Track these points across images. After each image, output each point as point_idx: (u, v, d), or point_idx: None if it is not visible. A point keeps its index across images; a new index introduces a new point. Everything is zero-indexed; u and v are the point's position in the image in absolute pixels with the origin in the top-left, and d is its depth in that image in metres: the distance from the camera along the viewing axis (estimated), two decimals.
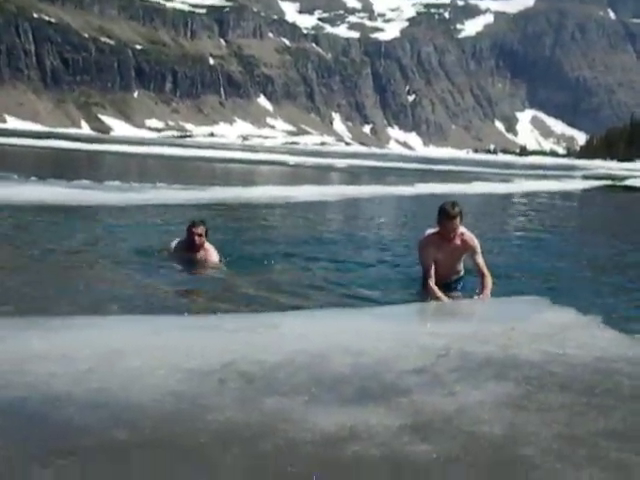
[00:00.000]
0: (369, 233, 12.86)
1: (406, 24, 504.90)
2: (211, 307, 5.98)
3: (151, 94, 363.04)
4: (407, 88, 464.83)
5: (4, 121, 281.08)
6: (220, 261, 7.99)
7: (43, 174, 20.44)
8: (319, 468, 2.75)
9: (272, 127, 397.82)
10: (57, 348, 4.11)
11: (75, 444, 2.87)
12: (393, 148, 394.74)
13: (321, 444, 2.94)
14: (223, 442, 2.95)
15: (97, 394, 3.41)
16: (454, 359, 4.23)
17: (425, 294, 6.60)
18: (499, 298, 6.47)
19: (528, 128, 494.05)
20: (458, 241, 6.67)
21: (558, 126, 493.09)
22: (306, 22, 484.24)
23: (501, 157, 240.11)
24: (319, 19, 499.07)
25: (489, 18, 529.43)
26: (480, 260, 6.67)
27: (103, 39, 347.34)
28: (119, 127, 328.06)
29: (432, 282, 6.55)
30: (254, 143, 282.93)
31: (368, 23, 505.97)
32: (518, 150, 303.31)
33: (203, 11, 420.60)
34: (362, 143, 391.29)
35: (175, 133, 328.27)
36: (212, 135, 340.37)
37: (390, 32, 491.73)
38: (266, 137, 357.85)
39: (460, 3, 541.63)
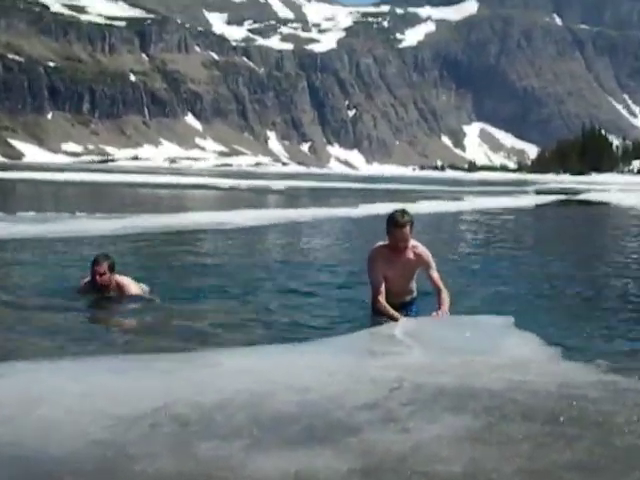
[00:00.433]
0: (311, 258, 12.87)
1: (343, 34, 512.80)
2: (139, 346, 5.85)
3: (67, 115, 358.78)
4: (346, 102, 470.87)
5: None
6: (144, 292, 7.82)
7: None
8: None
9: (202, 148, 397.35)
10: None
11: None
12: (334, 167, 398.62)
13: None
14: None
15: (10, 448, 3.29)
16: (407, 391, 4.21)
17: (376, 315, 6.56)
18: (458, 316, 6.52)
19: (476, 142, 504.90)
20: (410, 254, 6.64)
21: (508, 139, 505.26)
22: (235, 34, 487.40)
23: (449, 173, 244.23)
24: (249, 30, 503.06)
25: (430, 26, 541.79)
26: (435, 274, 6.68)
27: (11, 56, 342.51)
28: (32, 152, 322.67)
29: (382, 298, 6.51)
30: (183, 166, 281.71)
31: (302, 34, 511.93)
32: (467, 165, 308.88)
33: (122, 24, 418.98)
34: (300, 163, 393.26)
35: (95, 157, 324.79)
36: (136, 158, 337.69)
37: (326, 43, 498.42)
38: (196, 159, 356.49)
39: (399, 11, 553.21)
